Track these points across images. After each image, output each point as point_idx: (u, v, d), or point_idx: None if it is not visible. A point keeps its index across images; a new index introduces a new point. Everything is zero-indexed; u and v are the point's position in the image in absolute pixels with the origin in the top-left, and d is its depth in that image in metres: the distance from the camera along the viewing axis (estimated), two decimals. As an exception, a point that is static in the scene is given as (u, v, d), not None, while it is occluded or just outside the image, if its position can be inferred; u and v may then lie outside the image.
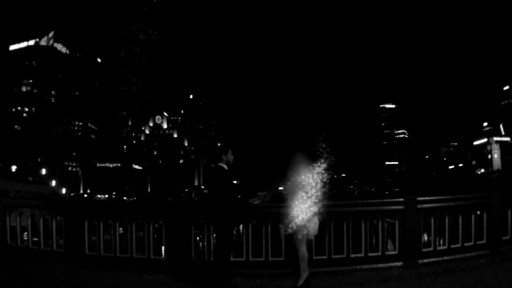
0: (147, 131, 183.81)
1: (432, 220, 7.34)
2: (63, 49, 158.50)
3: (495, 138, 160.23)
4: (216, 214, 5.89)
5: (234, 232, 6.16)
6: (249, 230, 7.10)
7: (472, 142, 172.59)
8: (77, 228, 7.54)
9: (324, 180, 5.86)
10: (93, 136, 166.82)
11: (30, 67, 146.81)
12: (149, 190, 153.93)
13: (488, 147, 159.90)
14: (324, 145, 5.91)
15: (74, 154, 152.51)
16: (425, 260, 7.12)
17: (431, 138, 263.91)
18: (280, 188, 6.31)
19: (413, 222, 7.13)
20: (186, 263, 7.14)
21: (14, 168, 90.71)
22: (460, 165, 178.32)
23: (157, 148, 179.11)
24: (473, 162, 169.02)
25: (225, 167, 6.02)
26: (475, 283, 5.97)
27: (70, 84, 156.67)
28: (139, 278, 6.71)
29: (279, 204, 6.74)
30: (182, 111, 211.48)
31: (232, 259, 6.33)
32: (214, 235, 6.37)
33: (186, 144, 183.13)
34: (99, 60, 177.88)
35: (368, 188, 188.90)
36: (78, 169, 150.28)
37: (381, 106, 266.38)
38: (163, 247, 7.45)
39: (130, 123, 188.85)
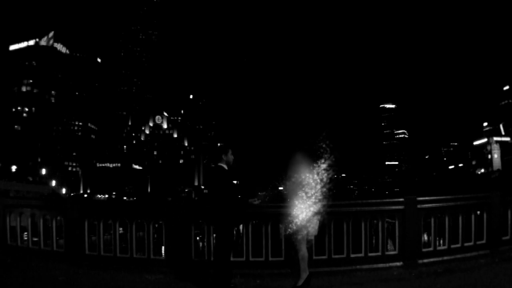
0: (147, 131, 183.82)
1: (432, 220, 7.34)
2: (63, 49, 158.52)
3: (495, 138, 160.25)
4: (216, 214, 5.89)
5: (234, 232, 6.16)
6: (249, 230, 7.10)
7: (472, 142, 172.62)
8: (77, 228, 7.54)
9: (326, 179, 5.85)
10: (93, 136, 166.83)
11: (30, 67, 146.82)
12: (149, 190, 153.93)
13: (488, 147, 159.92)
14: (325, 144, 5.91)
15: (74, 154, 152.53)
16: (425, 260, 7.12)
17: (431, 138, 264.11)
18: (280, 188, 6.31)
19: (413, 222, 7.13)
20: (186, 263, 7.14)
21: (14, 168, 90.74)
22: (460, 165, 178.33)
23: (157, 148, 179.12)
24: (473, 162, 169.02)
25: (225, 167, 6.02)
26: (475, 283, 5.97)
27: (70, 84, 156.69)
28: (139, 278, 6.71)
29: (279, 204, 6.74)
30: (182, 111, 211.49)
31: (232, 259, 6.33)
32: (214, 235, 6.37)
33: (186, 144, 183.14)
34: (99, 60, 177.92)
35: (368, 188, 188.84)
36: (78, 169, 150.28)
37: (381, 106, 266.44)
38: (163, 247, 7.45)
39: (130, 123, 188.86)
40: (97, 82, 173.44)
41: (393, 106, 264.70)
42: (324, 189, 5.88)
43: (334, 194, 5.96)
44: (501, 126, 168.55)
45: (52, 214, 7.88)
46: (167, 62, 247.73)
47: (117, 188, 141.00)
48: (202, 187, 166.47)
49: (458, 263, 7.04)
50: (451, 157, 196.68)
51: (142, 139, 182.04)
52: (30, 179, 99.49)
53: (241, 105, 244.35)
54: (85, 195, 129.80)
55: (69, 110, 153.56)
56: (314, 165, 5.91)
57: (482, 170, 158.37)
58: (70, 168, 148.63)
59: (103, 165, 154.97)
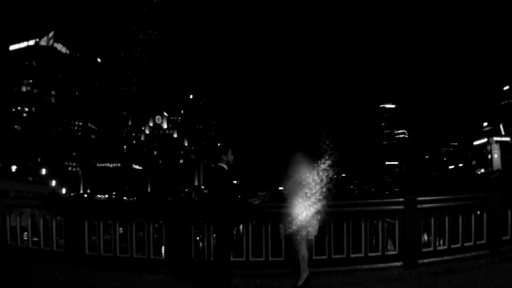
0: (147, 131, 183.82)
1: (432, 220, 7.34)
2: (63, 49, 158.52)
3: (495, 138, 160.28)
4: (216, 214, 5.89)
5: (234, 232, 6.16)
6: (249, 230, 7.10)
7: (472, 142, 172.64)
8: (77, 228, 7.54)
9: (326, 179, 5.85)
10: (93, 136, 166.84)
11: (30, 67, 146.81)
12: (149, 190, 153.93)
13: (488, 147, 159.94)
14: (327, 142, 5.90)
15: (74, 154, 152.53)
16: (425, 260, 7.12)
17: (431, 138, 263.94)
18: (280, 188, 6.31)
19: (413, 222, 7.13)
20: (186, 263, 7.14)
21: (14, 168, 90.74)
22: (460, 165, 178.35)
23: (157, 148, 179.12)
24: (473, 162, 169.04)
25: (225, 167, 6.02)
26: (475, 283, 5.97)
27: (70, 84, 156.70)
28: (139, 278, 6.71)
29: (279, 204, 6.74)
30: (182, 111, 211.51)
31: (232, 259, 6.33)
32: (214, 235, 6.36)
33: (186, 144, 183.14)
34: (99, 60, 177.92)
35: (368, 188, 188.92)
36: (78, 169, 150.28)
37: (381, 106, 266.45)
38: (163, 247, 7.45)
39: (130, 123, 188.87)
40: (97, 82, 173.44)
41: (393, 106, 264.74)
42: (324, 189, 5.88)
43: (334, 194, 5.96)
44: (501, 126, 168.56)
45: (52, 214, 7.88)
46: (167, 62, 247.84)
47: (117, 188, 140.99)
48: (202, 187, 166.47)
49: (458, 263, 7.04)
50: (451, 157, 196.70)
51: (142, 139, 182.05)
52: (30, 179, 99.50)
53: (241, 105, 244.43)
54: (85, 195, 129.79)
55: (69, 110, 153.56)
56: (314, 165, 5.91)
57: (482, 170, 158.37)
58: (70, 168, 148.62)
59: (103, 165, 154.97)
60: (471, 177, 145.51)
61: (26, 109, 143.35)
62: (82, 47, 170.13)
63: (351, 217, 7.11)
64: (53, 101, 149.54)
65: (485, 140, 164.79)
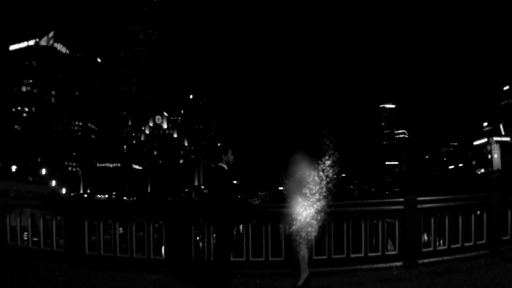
0: (147, 131, 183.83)
1: (432, 220, 7.34)
2: (63, 49, 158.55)
3: (495, 138, 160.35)
4: (216, 214, 5.89)
5: (234, 232, 6.16)
6: (249, 230, 7.10)
7: (472, 142, 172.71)
8: (77, 228, 7.54)
9: (327, 178, 5.84)
10: (93, 136, 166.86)
11: (30, 67, 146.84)
12: (149, 190, 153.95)
13: (488, 147, 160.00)
14: (328, 141, 5.89)
15: (74, 154, 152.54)
16: (425, 260, 7.12)
17: (431, 138, 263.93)
18: (280, 188, 6.31)
19: (413, 222, 7.13)
20: (186, 263, 7.14)
21: (14, 168, 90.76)
22: (460, 165, 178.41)
23: (157, 148, 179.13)
24: (473, 162, 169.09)
25: (225, 167, 6.02)
26: (475, 283, 5.97)
27: (70, 84, 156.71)
28: (139, 278, 6.71)
29: (279, 204, 6.75)
30: (182, 111, 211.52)
31: (232, 259, 6.33)
32: (214, 235, 6.37)
33: (186, 144, 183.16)
34: (99, 60, 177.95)
35: (368, 188, 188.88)
36: (78, 169, 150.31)
37: (381, 106, 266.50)
38: (163, 247, 7.45)
39: (130, 123, 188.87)
40: (97, 82, 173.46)
41: (393, 106, 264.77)
42: (324, 189, 5.88)
43: (335, 194, 5.95)
44: (501, 126, 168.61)
45: (52, 214, 7.88)
46: (167, 62, 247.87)
47: (117, 188, 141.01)
48: (202, 187, 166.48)
49: (458, 263, 7.04)
50: (451, 157, 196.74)
51: (142, 139, 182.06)
52: (30, 179, 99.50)
53: (241, 105, 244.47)
54: (85, 195, 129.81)
55: (69, 110, 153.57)
56: (314, 164, 5.91)
57: (482, 170, 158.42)
58: (70, 168, 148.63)
59: (103, 165, 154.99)
60: (471, 177, 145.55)
61: (26, 109, 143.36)
62: (82, 47, 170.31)
63: (351, 217, 7.11)
64: (53, 101, 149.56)
65: (485, 140, 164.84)
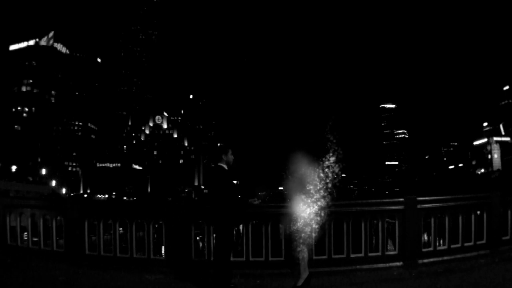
0: (147, 131, 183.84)
1: (432, 220, 7.34)
2: (63, 49, 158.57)
3: (495, 138, 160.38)
4: (216, 214, 5.89)
5: (234, 232, 6.16)
6: (249, 230, 7.10)
7: (472, 142, 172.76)
8: (77, 228, 7.54)
9: (327, 178, 5.83)
10: (93, 136, 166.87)
11: (30, 67, 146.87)
12: (149, 190, 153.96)
13: (488, 147, 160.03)
14: (331, 137, 5.86)
15: (74, 154, 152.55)
16: (425, 260, 7.12)
17: (431, 138, 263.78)
18: (280, 188, 6.32)
19: (413, 222, 7.13)
20: (186, 263, 7.14)
21: (14, 168, 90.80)
22: (460, 165, 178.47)
23: (157, 148, 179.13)
24: (473, 162, 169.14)
25: (225, 167, 6.02)
26: (475, 283, 5.98)
27: (70, 84, 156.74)
28: (139, 278, 6.72)
29: (279, 204, 6.75)
30: (182, 111, 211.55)
31: (232, 259, 6.33)
32: (214, 235, 6.37)
33: (186, 144, 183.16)
34: (99, 60, 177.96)
35: (368, 188, 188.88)
36: (78, 169, 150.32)
37: (381, 106, 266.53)
38: (163, 247, 7.45)
39: (130, 123, 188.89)
40: (97, 82, 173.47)
41: (393, 106, 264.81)
42: (326, 188, 5.87)
43: (336, 194, 5.94)
44: (501, 126, 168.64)
45: (52, 214, 7.88)
46: (167, 62, 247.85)
47: (117, 188, 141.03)
48: (202, 187, 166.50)
49: (458, 263, 7.04)
50: (451, 157, 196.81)
51: (142, 139, 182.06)
52: (30, 179, 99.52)
53: (241, 105, 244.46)
54: (85, 195, 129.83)
55: (69, 110, 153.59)
56: (315, 164, 5.91)
57: (482, 170, 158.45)
58: (70, 168, 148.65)
59: (103, 165, 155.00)
60: (471, 177, 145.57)
61: (26, 109, 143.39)
62: (82, 47, 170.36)
63: (351, 217, 7.11)
64: (53, 101, 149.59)
65: (485, 140, 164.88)
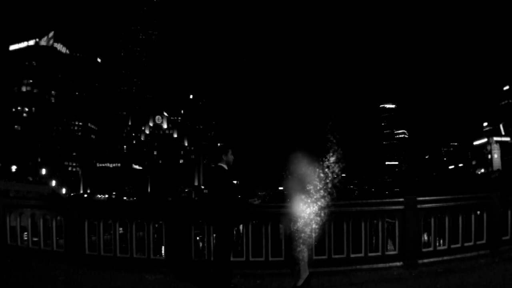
0: (147, 131, 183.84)
1: (432, 220, 7.33)
2: (63, 49, 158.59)
3: (495, 138, 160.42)
4: (216, 214, 5.89)
5: (234, 232, 6.15)
6: (249, 230, 7.09)
7: (472, 142, 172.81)
8: (77, 228, 7.54)
9: (328, 177, 5.82)
10: (93, 136, 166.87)
11: (30, 67, 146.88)
12: (149, 190, 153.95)
13: (488, 147, 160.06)
14: (331, 138, 5.86)
15: (74, 154, 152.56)
16: (425, 260, 7.12)
17: (431, 138, 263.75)
18: (280, 188, 6.32)
19: (413, 222, 7.13)
20: (186, 263, 7.14)
21: (14, 168, 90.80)
22: (460, 165, 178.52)
23: (157, 148, 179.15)
24: (473, 162, 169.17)
25: (225, 167, 6.02)
26: (475, 283, 5.98)
27: (70, 84, 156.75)
28: (139, 278, 6.71)
29: (279, 204, 6.74)
30: (182, 111, 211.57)
31: (232, 259, 6.33)
32: (214, 235, 6.37)
33: (186, 144, 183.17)
34: (99, 60, 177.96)
35: (368, 188, 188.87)
36: (78, 169, 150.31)
37: (381, 106, 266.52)
38: (163, 247, 7.44)
39: (130, 123, 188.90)
40: (97, 82, 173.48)
41: (393, 106, 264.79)
42: (326, 188, 5.87)
43: (336, 193, 5.94)
44: (501, 126, 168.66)
45: (52, 214, 7.88)
46: (167, 62, 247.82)
47: (117, 188, 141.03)
48: (202, 187, 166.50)
49: (458, 263, 7.04)
50: (451, 157, 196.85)
51: (142, 139, 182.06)
52: (30, 179, 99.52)
53: (241, 105, 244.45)
54: (85, 195, 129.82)
55: (69, 110, 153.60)
56: (315, 164, 5.90)
57: (482, 170, 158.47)
58: (70, 168, 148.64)
59: (103, 165, 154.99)
60: (471, 177, 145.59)
61: (26, 109, 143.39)
62: (82, 47, 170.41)
63: (351, 217, 7.11)
64: (53, 101, 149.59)
65: (485, 140, 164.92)
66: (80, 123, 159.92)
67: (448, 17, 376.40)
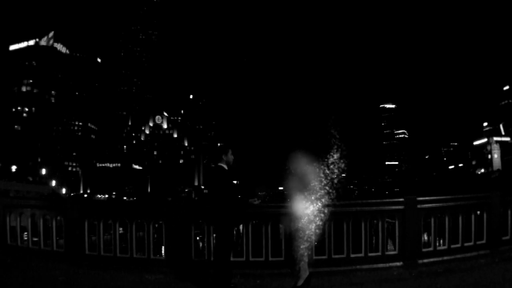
0: (147, 131, 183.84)
1: (432, 220, 7.33)
2: (63, 49, 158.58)
3: (495, 138, 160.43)
4: (216, 214, 5.89)
5: (234, 232, 6.15)
6: (249, 230, 7.09)
7: (472, 142, 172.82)
8: (77, 228, 7.54)
9: (328, 177, 5.82)
10: (93, 136, 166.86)
11: (30, 67, 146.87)
12: (149, 190, 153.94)
13: (488, 147, 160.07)
14: (331, 138, 5.85)
15: (74, 154, 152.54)
16: (425, 260, 7.12)
17: (431, 138, 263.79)
18: (280, 188, 6.32)
19: (413, 222, 7.13)
20: (186, 263, 7.14)
21: (14, 168, 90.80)
22: (460, 165, 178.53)
23: (157, 148, 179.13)
24: (473, 162, 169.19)
25: (225, 167, 6.02)
26: (475, 283, 5.97)
27: (70, 84, 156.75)
28: (139, 278, 6.71)
29: (279, 204, 6.74)
30: (182, 111, 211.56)
31: (232, 259, 6.33)
32: (214, 235, 6.37)
33: (186, 144, 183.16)
34: (99, 60, 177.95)
35: (368, 188, 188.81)
36: (78, 169, 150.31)
37: (381, 106, 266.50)
38: (163, 247, 7.45)
39: (130, 123, 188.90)
40: (97, 82, 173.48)
41: (393, 106, 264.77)
42: (325, 189, 5.87)
43: (335, 194, 5.94)
44: (501, 126, 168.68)
45: (52, 214, 7.88)
46: (167, 62, 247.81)
47: (117, 188, 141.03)
48: (202, 187, 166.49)
49: (458, 263, 7.04)
50: (451, 157, 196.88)
51: (142, 139, 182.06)
52: (30, 179, 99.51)
53: (241, 105, 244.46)
54: (85, 195, 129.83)
55: (69, 110, 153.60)
56: (315, 164, 5.90)
57: (482, 170, 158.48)
58: (70, 168, 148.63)
59: (103, 165, 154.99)
60: (471, 177, 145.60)
61: (26, 109, 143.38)
62: (82, 47, 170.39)
63: (351, 217, 7.11)
64: (53, 101, 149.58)
65: (485, 140, 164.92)
66: (80, 123, 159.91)
67: (448, 17, 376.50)
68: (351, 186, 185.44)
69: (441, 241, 7.68)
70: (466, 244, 7.44)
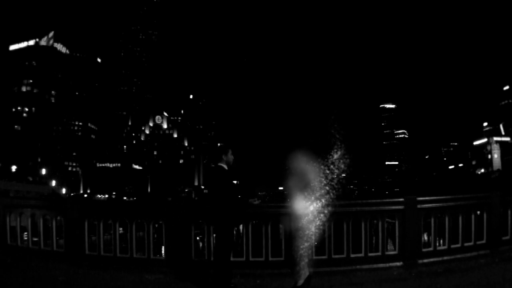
0: (147, 131, 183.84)
1: (432, 220, 7.33)
2: (63, 49, 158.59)
3: (495, 138, 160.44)
4: (216, 214, 5.88)
5: (234, 232, 6.15)
6: (249, 230, 7.09)
7: (472, 142, 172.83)
8: (77, 228, 7.54)
9: (328, 177, 5.82)
10: (93, 136, 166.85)
11: (30, 67, 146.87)
12: (149, 190, 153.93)
13: (488, 147, 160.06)
14: (331, 137, 5.85)
15: (74, 154, 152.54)
16: (425, 260, 7.12)
17: (431, 138, 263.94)
18: (280, 187, 6.32)
19: (413, 222, 7.13)
20: (186, 263, 7.14)
21: (14, 168, 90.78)
22: (460, 165, 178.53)
23: (157, 148, 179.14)
24: (473, 162, 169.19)
25: (225, 167, 6.02)
26: (475, 283, 5.97)
27: (70, 84, 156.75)
28: (139, 278, 6.71)
29: (279, 204, 6.74)
30: (182, 111, 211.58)
31: (232, 259, 6.33)
32: (214, 235, 6.37)
33: (186, 144, 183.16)
34: (99, 60, 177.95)
35: (368, 188, 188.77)
36: (78, 169, 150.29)
37: (381, 106, 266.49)
38: (163, 247, 7.45)
39: (130, 123, 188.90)
40: (97, 82, 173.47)
41: (393, 106, 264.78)
42: (326, 189, 5.86)
43: (334, 194, 5.93)
44: (501, 126, 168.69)
45: (52, 214, 7.88)
46: (167, 62, 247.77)
47: (117, 188, 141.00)
48: (202, 187, 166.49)
49: (458, 263, 7.04)
50: (451, 157, 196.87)
51: (142, 139, 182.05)
52: (30, 179, 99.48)
53: (241, 105, 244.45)
54: (85, 195, 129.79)
55: (69, 110, 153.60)
56: (315, 164, 5.90)
57: (482, 170, 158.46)
58: (70, 168, 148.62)
59: (103, 165, 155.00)
60: (471, 177, 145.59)
61: (26, 109, 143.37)
62: (82, 47, 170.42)
63: (351, 217, 7.11)
64: (53, 101, 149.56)
65: (485, 140, 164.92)
66: (80, 123, 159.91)
67: (448, 17, 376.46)
68: (351, 186, 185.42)
69: (441, 241, 7.68)
70: (466, 244, 7.44)
